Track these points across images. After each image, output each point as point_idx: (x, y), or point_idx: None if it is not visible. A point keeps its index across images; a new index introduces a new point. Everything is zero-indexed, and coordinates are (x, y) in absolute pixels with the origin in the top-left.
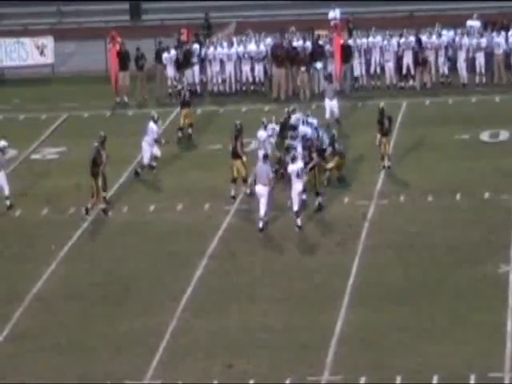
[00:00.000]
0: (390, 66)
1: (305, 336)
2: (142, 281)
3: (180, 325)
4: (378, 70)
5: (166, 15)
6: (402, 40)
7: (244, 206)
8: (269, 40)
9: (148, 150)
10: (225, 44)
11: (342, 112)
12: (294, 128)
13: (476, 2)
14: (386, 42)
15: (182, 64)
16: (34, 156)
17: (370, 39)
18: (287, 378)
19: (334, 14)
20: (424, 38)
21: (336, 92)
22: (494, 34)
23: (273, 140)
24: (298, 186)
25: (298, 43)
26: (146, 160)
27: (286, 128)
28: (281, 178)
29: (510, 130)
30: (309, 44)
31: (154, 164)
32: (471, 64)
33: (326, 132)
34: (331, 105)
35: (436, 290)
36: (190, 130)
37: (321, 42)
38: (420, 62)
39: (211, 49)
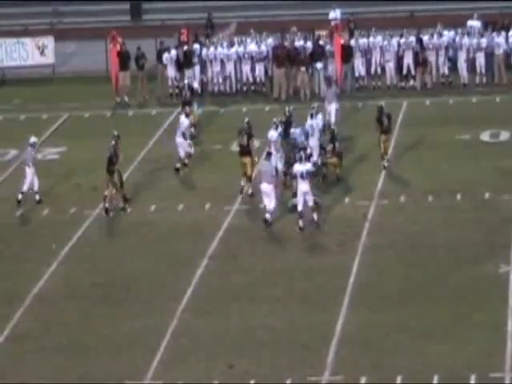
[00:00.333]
0: (390, 66)
1: (305, 336)
2: (142, 281)
3: (180, 325)
4: (379, 70)
5: (166, 15)
6: (403, 40)
7: (244, 206)
8: (270, 40)
9: (183, 143)
10: (225, 44)
11: (343, 112)
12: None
13: (476, 2)
14: (386, 42)
15: (183, 64)
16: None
17: (371, 39)
18: (288, 378)
19: (335, 14)
20: (425, 38)
21: (336, 96)
22: (495, 34)
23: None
24: (303, 186)
25: (298, 43)
26: (182, 153)
27: (288, 127)
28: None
29: (510, 130)
30: (309, 44)
31: (186, 161)
32: (471, 64)
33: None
34: (330, 109)
35: (436, 290)
36: (192, 130)
37: (321, 42)
38: (420, 62)
39: (212, 49)
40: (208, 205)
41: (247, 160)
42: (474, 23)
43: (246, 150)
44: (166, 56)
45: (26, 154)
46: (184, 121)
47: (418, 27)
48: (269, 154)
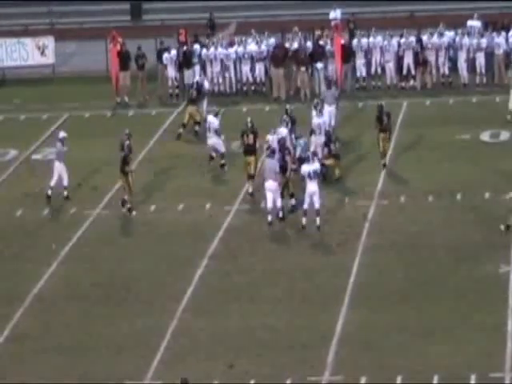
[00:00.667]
0: (390, 66)
1: (305, 336)
2: (142, 281)
3: (180, 325)
4: (379, 70)
5: (166, 15)
6: (403, 40)
7: (245, 206)
8: (272, 40)
9: (218, 143)
10: (225, 44)
11: (343, 112)
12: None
13: (476, 2)
14: (386, 43)
15: (182, 64)
16: (35, 156)
17: (371, 39)
18: (288, 378)
19: (335, 14)
20: (424, 38)
21: (335, 98)
22: (495, 34)
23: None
24: (310, 186)
25: (296, 44)
26: (223, 149)
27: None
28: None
29: (510, 130)
30: (309, 44)
31: (214, 155)
32: (471, 64)
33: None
34: (329, 111)
35: (436, 290)
36: (196, 127)
37: (321, 42)
38: (420, 62)
39: (212, 49)
40: (208, 205)
41: (252, 159)
42: (474, 23)
43: (251, 149)
44: (165, 56)
45: (55, 149)
46: (213, 120)
47: (418, 27)
48: (272, 152)
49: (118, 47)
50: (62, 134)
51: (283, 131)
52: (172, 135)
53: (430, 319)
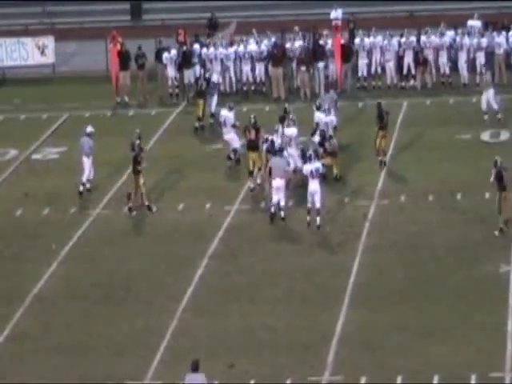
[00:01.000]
0: (390, 65)
1: (305, 336)
2: (142, 281)
3: (180, 325)
4: (379, 69)
5: (166, 15)
6: (403, 40)
7: (245, 206)
8: (273, 40)
9: (234, 138)
10: (225, 44)
11: (343, 112)
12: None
13: (477, 2)
14: (386, 42)
15: (181, 64)
16: (35, 156)
17: (371, 39)
18: (288, 378)
19: (336, 14)
20: (424, 37)
21: (334, 101)
22: (495, 33)
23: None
24: (312, 185)
25: (298, 43)
26: (237, 145)
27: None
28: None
29: (510, 130)
30: (309, 44)
31: (232, 156)
32: (472, 64)
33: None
34: None
35: (436, 289)
36: (196, 124)
37: (321, 42)
38: (421, 61)
39: (212, 49)
40: (208, 205)
41: (255, 155)
42: (475, 23)
43: (254, 145)
44: (165, 56)
45: (83, 144)
46: (228, 114)
47: (418, 27)
48: (280, 150)
49: (118, 47)
50: (89, 129)
51: (294, 131)
52: (172, 136)
53: (430, 319)
